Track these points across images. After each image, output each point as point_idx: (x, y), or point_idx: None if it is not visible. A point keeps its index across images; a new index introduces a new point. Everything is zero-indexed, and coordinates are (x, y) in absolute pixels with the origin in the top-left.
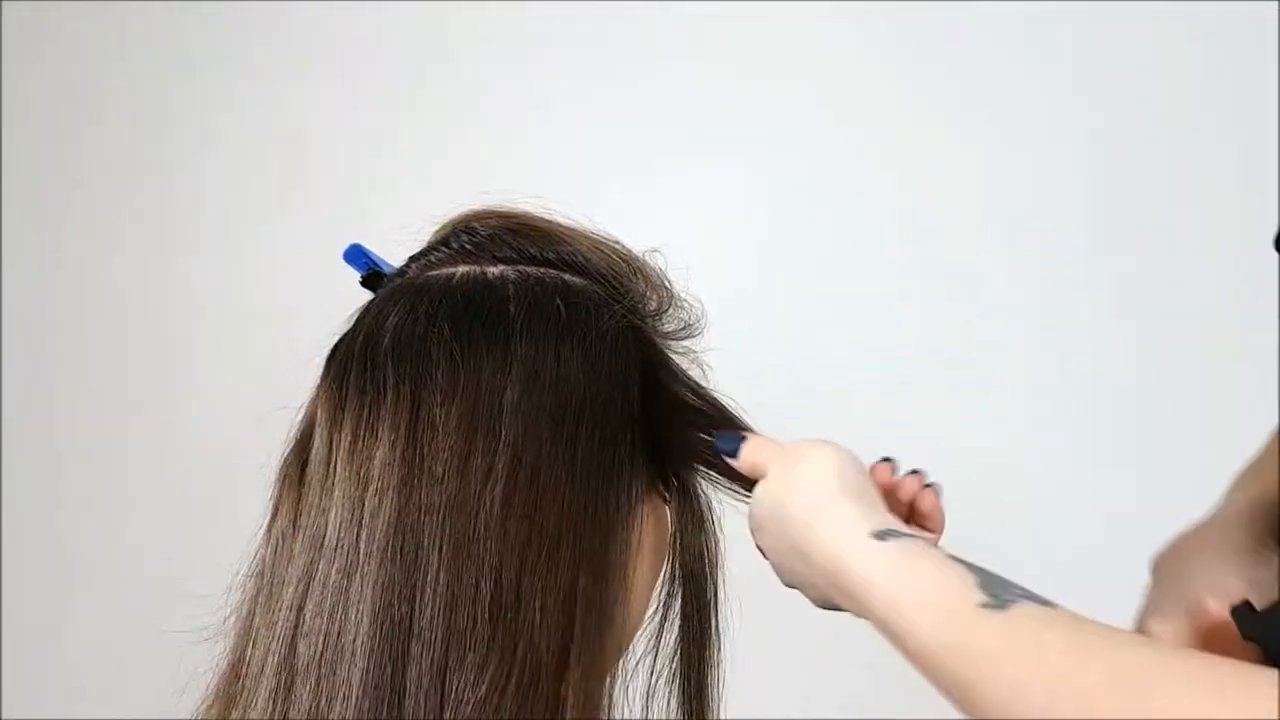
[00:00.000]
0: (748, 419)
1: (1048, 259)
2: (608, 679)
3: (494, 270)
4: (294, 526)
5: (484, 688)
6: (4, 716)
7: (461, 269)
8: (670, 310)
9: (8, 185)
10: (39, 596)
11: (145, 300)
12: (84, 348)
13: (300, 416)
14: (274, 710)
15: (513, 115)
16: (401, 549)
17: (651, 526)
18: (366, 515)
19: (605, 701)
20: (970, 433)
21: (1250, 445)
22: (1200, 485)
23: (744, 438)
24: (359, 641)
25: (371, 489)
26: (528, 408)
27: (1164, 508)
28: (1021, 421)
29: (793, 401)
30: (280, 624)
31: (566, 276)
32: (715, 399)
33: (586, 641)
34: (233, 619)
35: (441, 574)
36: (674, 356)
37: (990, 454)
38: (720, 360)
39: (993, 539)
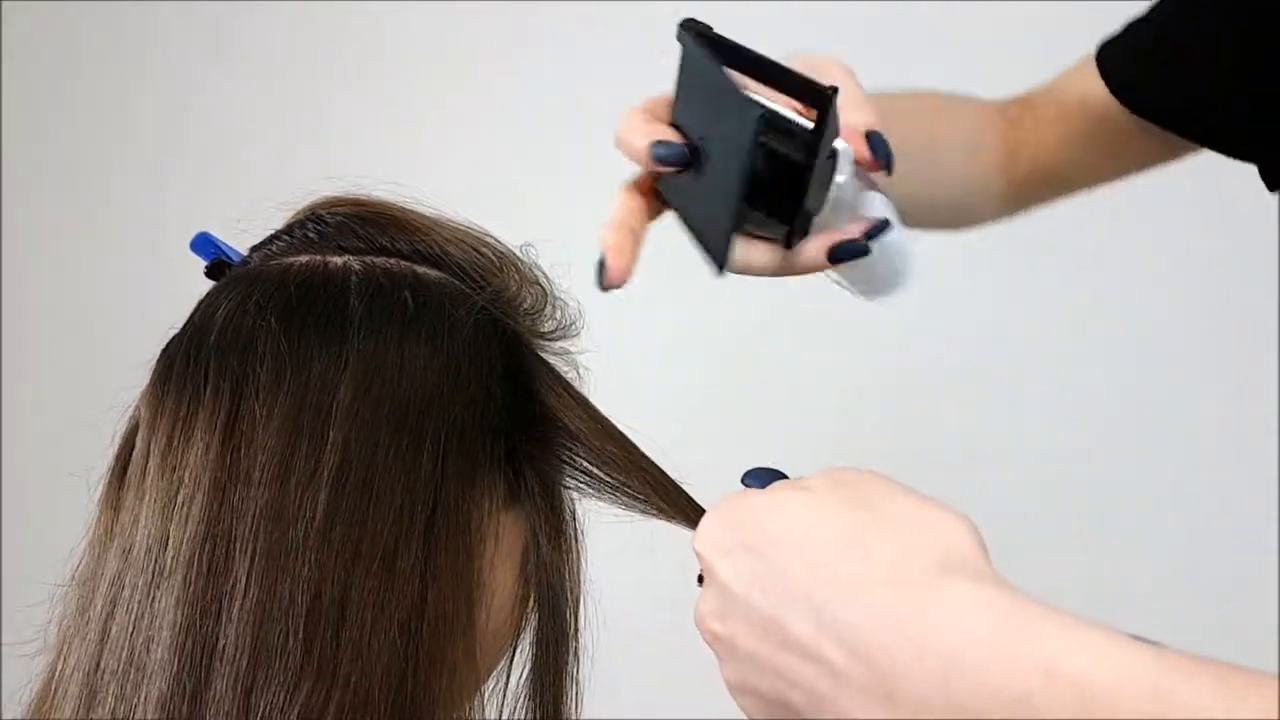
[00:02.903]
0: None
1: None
2: (469, 705)
3: (337, 260)
4: (109, 534)
5: (296, 711)
6: (4, 717)
7: (302, 258)
8: (545, 309)
9: (8, 176)
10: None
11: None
12: (83, 344)
13: (126, 416)
14: None
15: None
16: (209, 559)
17: (513, 536)
18: (175, 523)
19: None
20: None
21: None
22: (1200, 483)
23: (781, 475)
24: (159, 658)
25: (182, 494)
26: (363, 409)
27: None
28: (1020, 422)
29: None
30: (89, 637)
31: (419, 269)
32: (588, 404)
33: (434, 663)
34: (54, 628)
35: (251, 586)
36: (549, 358)
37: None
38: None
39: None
